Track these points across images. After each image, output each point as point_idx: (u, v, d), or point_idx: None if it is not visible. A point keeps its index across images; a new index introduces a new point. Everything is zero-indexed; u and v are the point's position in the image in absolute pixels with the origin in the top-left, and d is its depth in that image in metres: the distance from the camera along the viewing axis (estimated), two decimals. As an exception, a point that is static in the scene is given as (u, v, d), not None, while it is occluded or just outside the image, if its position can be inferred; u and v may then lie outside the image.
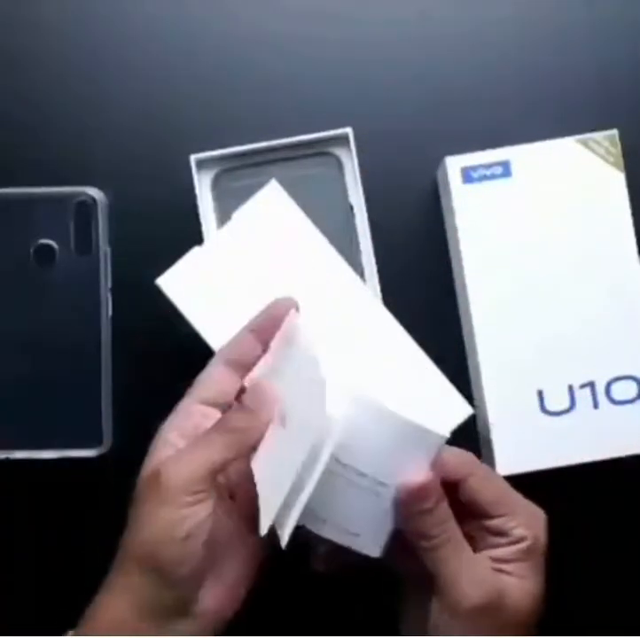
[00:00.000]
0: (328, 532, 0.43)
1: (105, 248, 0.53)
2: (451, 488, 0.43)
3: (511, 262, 0.52)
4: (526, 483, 0.52)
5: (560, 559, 0.56)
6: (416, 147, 0.56)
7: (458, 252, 0.53)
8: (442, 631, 0.41)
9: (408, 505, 0.42)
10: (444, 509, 0.42)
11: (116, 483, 0.53)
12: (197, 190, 0.53)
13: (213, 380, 0.46)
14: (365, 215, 0.53)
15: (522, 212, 0.53)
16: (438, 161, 0.54)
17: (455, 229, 0.53)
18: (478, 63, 0.57)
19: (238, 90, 0.56)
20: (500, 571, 0.42)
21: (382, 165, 0.55)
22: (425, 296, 0.56)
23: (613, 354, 0.52)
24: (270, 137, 0.53)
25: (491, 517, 0.43)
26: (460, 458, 0.44)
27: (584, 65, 0.57)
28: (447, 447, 0.43)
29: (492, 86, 0.57)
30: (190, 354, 0.55)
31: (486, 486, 0.43)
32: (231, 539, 0.44)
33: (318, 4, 0.57)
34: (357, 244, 0.54)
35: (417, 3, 0.57)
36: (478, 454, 0.55)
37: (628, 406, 0.52)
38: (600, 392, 0.52)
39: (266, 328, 0.45)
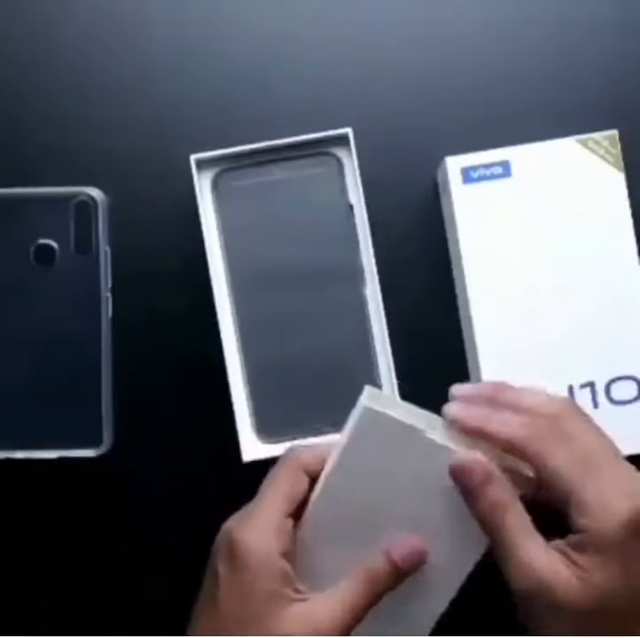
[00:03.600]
0: None
1: (105, 248, 0.53)
2: None
3: (510, 262, 0.52)
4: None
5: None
6: (416, 147, 0.56)
7: (458, 251, 0.53)
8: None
9: (456, 480, 0.42)
10: (497, 490, 0.42)
11: (116, 483, 0.54)
12: (197, 190, 0.53)
13: (296, 490, 0.45)
14: (365, 215, 0.53)
15: (522, 212, 0.53)
16: (438, 161, 0.54)
17: (455, 229, 0.53)
18: (478, 63, 0.57)
19: (238, 91, 0.56)
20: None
21: (382, 165, 0.56)
22: (425, 295, 0.56)
23: (613, 353, 0.52)
24: (271, 137, 0.53)
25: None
26: None
27: (584, 65, 0.57)
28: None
29: (492, 86, 0.56)
30: (190, 355, 0.55)
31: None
32: None
33: (318, 5, 0.57)
34: (357, 243, 0.54)
35: (417, 3, 0.57)
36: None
37: (628, 406, 0.52)
38: (600, 392, 0.52)
39: None
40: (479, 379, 0.53)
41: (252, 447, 0.52)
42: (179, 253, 0.52)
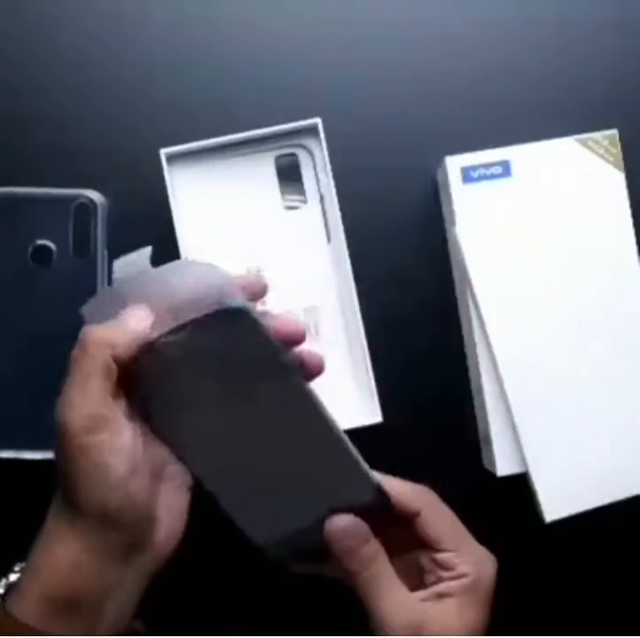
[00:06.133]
0: None
1: (102, 251, 0.53)
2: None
3: (511, 262, 0.52)
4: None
5: (555, 559, 0.56)
6: (415, 147, 0.56)
7: (459, 251, 0.53)
8: None
9: (333, 543, 0.44)
10: (369, 548, 0.44)
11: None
12: (168, 184, 0.52)
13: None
14: (337, 207, 0.52)
15: (522, 212, 0.52)
16: (438, 161, 0.54)
17: (455, 229, 0.53)
18: (478, 63, 0.57)
19: (239, 91, 0.56)
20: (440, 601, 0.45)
21: (381, 165, 0.56)
22: (425, 296, 0.56)
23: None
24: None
25: (439, 550, 0.45)
26: (414, 492, 0.46)
27: (584, 65, 0.56)
28: (401, 482, 0.46)
29: (492, 86, 0.56)
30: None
31: (437, 523, 0.46)
32: (163, 465, 0.43)
33: (318, 5, 0.57)
34: (329, 236, 0.54)
35: (417, 3, 0.57)
36: (478, 454, 0.55)
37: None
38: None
39: None
40: (478, 377, 0.53)
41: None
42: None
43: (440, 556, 0.45)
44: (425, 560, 0.46)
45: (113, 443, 0.40)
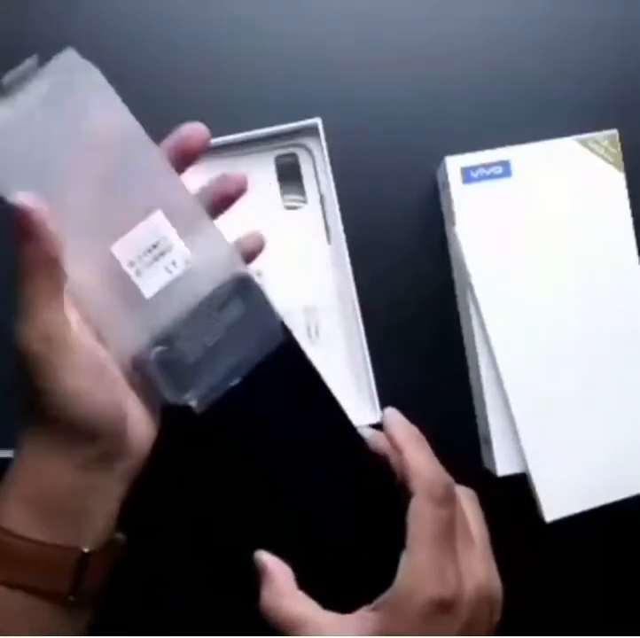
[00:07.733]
0: None
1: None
2: None
3: (511, 262, 0.52)
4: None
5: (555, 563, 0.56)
6: (416, 147, 0.56)
7: (459, 251, 0.53)
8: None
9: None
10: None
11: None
12: None
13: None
14: (336, 206, 0.53)
15: (522, 212, 0.52)
16: (438, 161, 0.54)
17: (455, 229, 0.53)
18: (478, 63, 0.57)
19: (239, 91, 0.56)
20: None
21: (381, 165, 0.56)
22: (425, 296, 0.56)
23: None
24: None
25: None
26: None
27: (584, 65, 0.56)
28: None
29: (492, 86, 0.56)
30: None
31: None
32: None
33: (316, 4, 0.57)
34: (329, 236, 0.54)
35: (417, 2, 0.57)
36: (478, 454, 0.55)
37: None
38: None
39: None
40: (478, 377, 0.53)
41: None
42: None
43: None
44: None
45: (70, 356, 0.39)
